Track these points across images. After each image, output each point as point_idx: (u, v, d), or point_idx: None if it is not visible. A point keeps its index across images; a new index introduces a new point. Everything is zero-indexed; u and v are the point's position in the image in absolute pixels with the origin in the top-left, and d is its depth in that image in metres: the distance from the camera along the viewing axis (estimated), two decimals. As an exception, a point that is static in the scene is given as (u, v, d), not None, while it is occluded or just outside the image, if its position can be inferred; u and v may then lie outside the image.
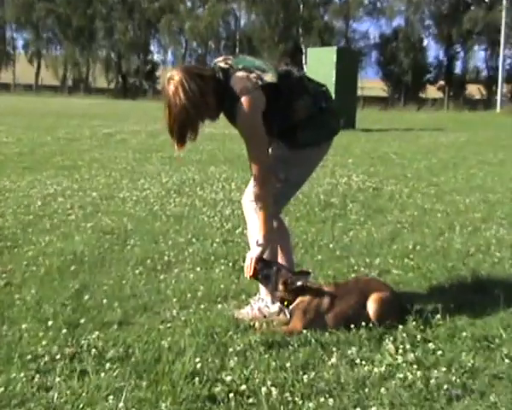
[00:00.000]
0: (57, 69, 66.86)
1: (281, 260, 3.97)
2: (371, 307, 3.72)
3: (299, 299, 3.76)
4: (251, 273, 3.78)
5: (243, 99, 3.56)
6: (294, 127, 3.79)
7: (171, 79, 3.54)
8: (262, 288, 3.94)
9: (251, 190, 3.90)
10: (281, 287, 3.76)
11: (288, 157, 3.86)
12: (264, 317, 3.81)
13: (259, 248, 3.74)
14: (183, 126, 3.59)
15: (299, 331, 3.61)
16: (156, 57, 68.15)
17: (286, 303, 3.79)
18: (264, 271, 3.79)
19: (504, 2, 42.86)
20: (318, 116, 3.81)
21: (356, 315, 3.72)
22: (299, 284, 3.76)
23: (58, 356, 3.21)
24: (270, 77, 3.65)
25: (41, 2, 61.43)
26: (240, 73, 3.63)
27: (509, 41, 47.11)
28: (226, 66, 3.68)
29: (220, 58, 3.79)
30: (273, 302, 3.87)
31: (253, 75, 3.62)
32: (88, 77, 67.87)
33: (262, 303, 3.89)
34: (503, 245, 5.64)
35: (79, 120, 21.71)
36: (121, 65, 63.98)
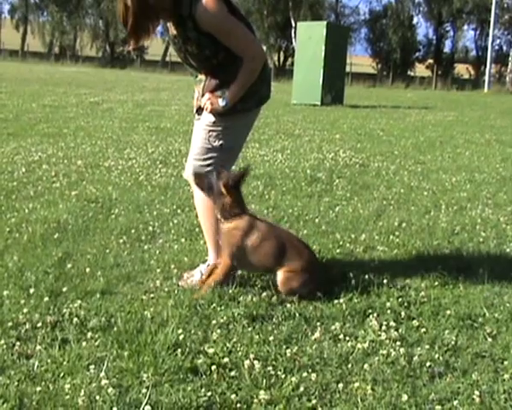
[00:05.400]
0: (44, 36, 66.04)
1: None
2: (280, 277, 3.73)
3: (234, 224, 3.76)
4: (208, 108, 3.77)
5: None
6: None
7: None
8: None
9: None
10: (223, 189, 3.74)
11: (220, 123, 3.85)
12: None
13: (223, 101, 3.74)
14: (140, 16, 3.50)
15: (229, 266, 3.75)
16: (145, 27, 67.12)
17: (221, 218, 3.80)
18: (206, 181, 3.80)
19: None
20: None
21: (269, 267, 3.80)
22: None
23: (39, 324, 3.18)
24: None
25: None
26: None
27: (498, 21, 47.02)
28: None
29: None
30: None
31: None
32: (75, 45, 67.09)
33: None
34: (488, 225, 5.65)
35: (66, 88, 21.47)
36: (109, 33, 63.19)
